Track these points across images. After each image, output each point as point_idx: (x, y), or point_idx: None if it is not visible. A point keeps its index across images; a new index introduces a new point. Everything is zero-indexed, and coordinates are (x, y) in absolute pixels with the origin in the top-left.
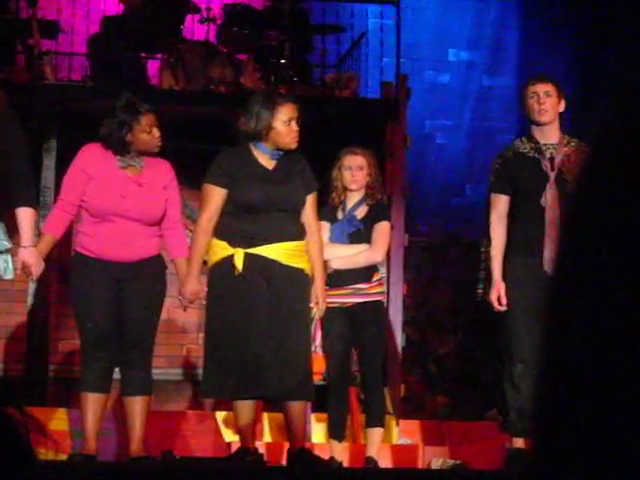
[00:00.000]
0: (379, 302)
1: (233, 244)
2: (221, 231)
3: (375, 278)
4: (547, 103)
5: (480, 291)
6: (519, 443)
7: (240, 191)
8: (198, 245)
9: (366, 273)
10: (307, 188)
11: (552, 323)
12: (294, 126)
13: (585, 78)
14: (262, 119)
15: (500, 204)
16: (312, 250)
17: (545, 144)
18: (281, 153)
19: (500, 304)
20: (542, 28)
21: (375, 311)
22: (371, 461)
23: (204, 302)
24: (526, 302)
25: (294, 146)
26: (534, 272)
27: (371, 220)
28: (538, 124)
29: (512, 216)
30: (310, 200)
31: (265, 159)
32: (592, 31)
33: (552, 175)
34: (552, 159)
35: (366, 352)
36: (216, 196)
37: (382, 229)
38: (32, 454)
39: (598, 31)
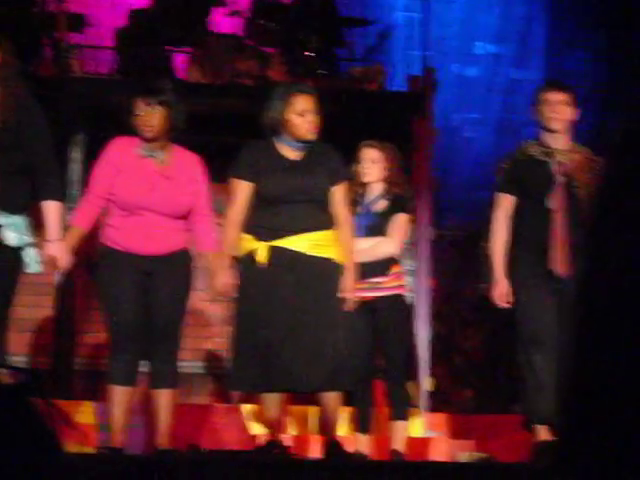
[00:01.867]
0: (398, 295)
1: (258, 237)
2: (248, 225)
3: (392, 271)
4: (560, 112)
5: (483, 287)
6: (544, 435)
7: (263, 183)
8: (227, 238)
9: (382, 267)
10: (333, 178)
11: (583, 334)
12: (309, 117)
13: (611, 71)
14: (276, 111)
15: (505, 204)
16: (341, 241)
17: (556, 149)
18: (303, 144)
19: (503, 301)
20: (569, 21)
21: (394, 305)
22: (396, 454)
23: (233, 295)
24: (533, 295)
25: (311, 137)
26: (539, 271)
27: (390, 213)
28: (549, 131)
29: (519, 217)
30: (337, 190)
31: (288, 150)
32: (619, 24)
33: (560, 179)
34: (561, 164)
35: (388, 346)
36: (242, 190)
37: (398, 221)
38: (59, 446)
39: (625, 24)
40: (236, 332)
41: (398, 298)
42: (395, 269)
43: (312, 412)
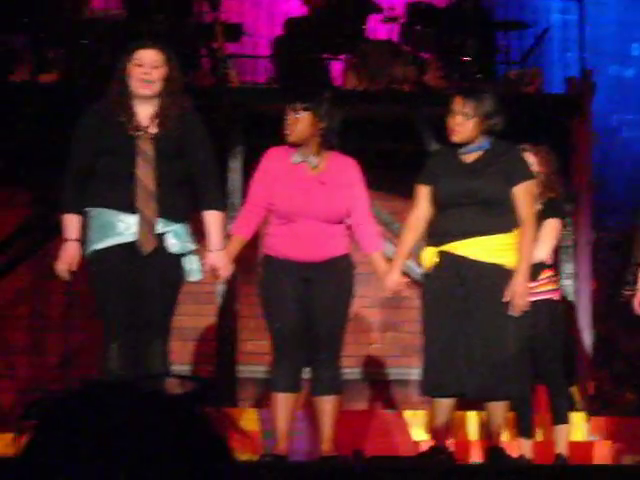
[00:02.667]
0: (550, 300)
1: (430, 242)
2: (428, 230)
3: (543, 276)
4: None
5: (627, 292)
6: None
7: (436, 187)
8: (402, 240)
9: (533, 272)
10: (510, 179)
11: None
12: (455, 119)
13: None
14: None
15: None
16: (518, 243)
17: None
18: (476, 147)
19: None
20: None
21: (546, 309)
22: (560, 458)
23: (405, 294)
24: None
25: (454, 139)
26: None
27: (543, 218)
28: None
29: None
30: (517, 191)
31: (463, 154)
32: None
33: None
34: None
35: (542, 351)
36: (420, 194)
37: (548, 226)
38: (231, 455)
39: None
40: (424, 338)
41: (550, 302)
42: (546, 274)
43: (471, 417)
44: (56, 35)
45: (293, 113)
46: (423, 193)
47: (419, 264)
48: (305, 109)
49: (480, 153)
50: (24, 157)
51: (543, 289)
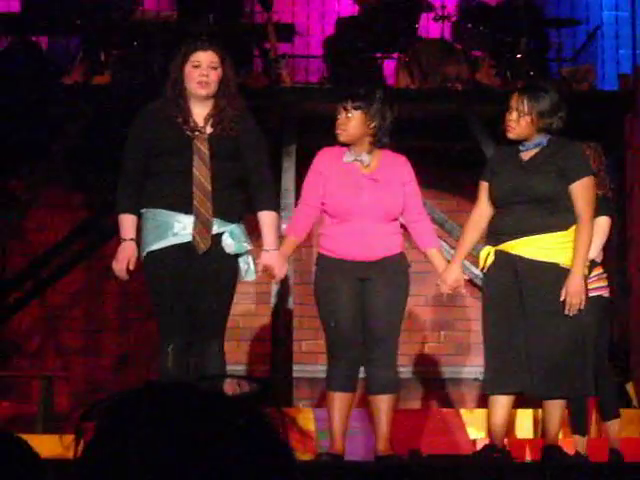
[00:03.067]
0: (600, 297)
1: (487, 241)
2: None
3: (594, 273)
4: None
5: None
6: None
7: (491, 185)
8: (463, 237)
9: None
10: (567, 176)
11: None
12: (511, 115)
13: None
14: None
15: None
16: (575, 241)
17: None
18: (533, 144)
19: None
20: None
21: (596, 306)
22: (615, 453)
23: (463, 291)
24: None
25: (509, 135)
26: None
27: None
28: None
29: None
30: (574, 188)
31: (522, 151)
32: None
33: None
34: None
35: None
36: (481, 190)
37: (598, 224)
38: (291, 454)
39: None
40: (483, 337)
41: (600, 299)
42: (596, 271)
43: (528, 415)
44: (108, 37)
45: (344, 112)
46: (484, 189)
47: (475, 263)
48: (356, 108)
49: (537, 150)
50: (78, 159)
51: (593, 286)
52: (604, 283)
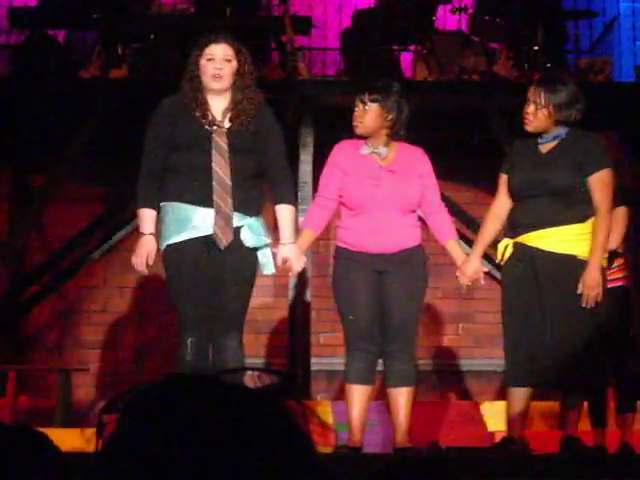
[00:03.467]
0: (620, 287)
1: (506, 234)
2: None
3: (615, 264)
4: None
5: None
6: None
7: (509, 177)
8: (482, 228)
9: (607, 260)
10: (585, 168)
11: None
12: (529, 107)
13: None
14: None
15: None
16: (592, 233)
17: None
18: (551, 137)
19: None
20: None
21: (617, 297)
22: (626, 446)
23: (482, 283)
24: None
25: (527, 128)
26: None
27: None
28: None
29: None
30: (592, 180)
31: (540, 143)
32: None
33: None
34: None
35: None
36: (500, 183)
37: (618, 214)
38: (313, 447)
39: None
40: (503, 330)
41: (621, 290)
42: (618, 262)
43: (547, 407)
44: (125, 31)
45: (361, 105)
46: (503, 182)
47: (493, 255)
48: (373, 101)
49: (555, 143)
50: (97, 152)
51: (615, 277)
52: (625, 273)
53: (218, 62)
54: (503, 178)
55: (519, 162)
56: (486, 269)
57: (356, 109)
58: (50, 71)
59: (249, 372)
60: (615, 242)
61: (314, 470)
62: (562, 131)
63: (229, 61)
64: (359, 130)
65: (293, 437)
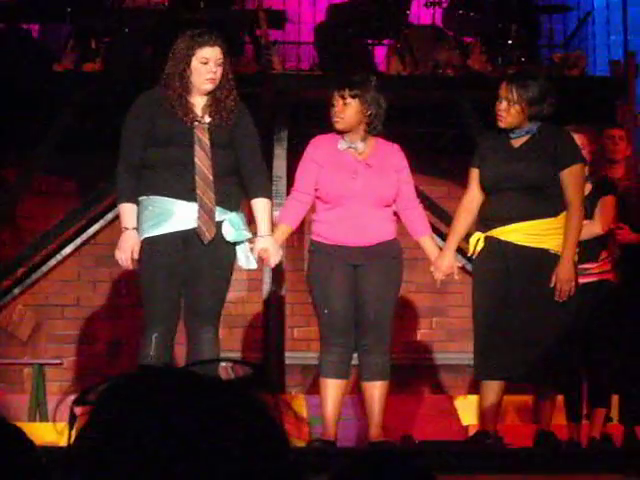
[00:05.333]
0: (605, 281)
1: (477, 228)
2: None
3: (602, 257)
4: None
5: None
6: None
7: (481, 172)
8: (454, 222)
9: (593, 252)
10: (557, 162)
11: None
12: (501, 104)
13: None
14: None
15: None
16: (565, 227)
17: None
18: (522, 130)
19: None
20: None
21: (600, 290)
22: (595, 442)
23: (457, 277)
24: None
25: (500, 125)
26: None
27: (596, 196)
28: None
29: None
30: (564, 175)
31: (511, 138)
32: None
33: None
34: None
35: (598, 330)
36: (471, 176)
37: (604, 203)
38: (287, 440)
39: None
40: (474, 323)
41: (604, 284)
42: (604, 255)
43: (520, 401)
44: (99, 24)
45: (341, 100)
46: (474, 175)
47: (466, 249)
48: (354, 96)
49: (527, 137)
50: (70, 146)
51: (600, 270)
52: (610, 267)
53: (212, 65)
54: (474, 172)
55: (490, 156)
56: (460, 263)
57: (335, 105)
58: (24, 65)
59: (222, 364)
60: (598, 229)
61: (287, 461)
62: (534, 126)
63: (220, 65)
64: (339, 126)
65: (266, 428)
